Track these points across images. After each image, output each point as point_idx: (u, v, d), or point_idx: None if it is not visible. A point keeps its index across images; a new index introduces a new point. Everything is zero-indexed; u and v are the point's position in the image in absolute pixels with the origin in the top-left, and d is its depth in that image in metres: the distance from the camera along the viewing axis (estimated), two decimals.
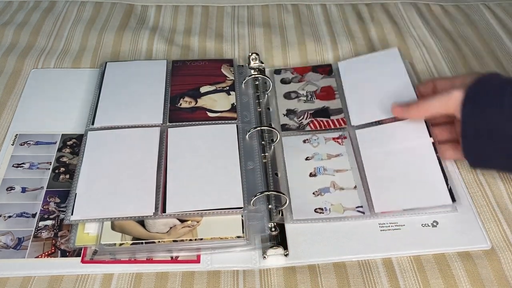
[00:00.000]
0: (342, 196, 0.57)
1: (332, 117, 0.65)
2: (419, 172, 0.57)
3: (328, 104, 0.67)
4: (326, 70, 0.72)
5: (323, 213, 0.55)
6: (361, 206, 0.56)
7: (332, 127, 0.64)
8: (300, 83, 0.70)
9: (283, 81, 0.71)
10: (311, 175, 0.59)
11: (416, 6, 0.87)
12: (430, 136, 0.59)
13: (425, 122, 0.61)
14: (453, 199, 0.54)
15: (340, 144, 0.62)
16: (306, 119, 0.65)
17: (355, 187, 0.57)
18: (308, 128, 0.64)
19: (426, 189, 0.56)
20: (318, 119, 0.65)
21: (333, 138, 0.63)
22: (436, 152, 0.58)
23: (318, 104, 0.67)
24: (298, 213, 0.55)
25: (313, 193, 0.57)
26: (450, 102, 0.55)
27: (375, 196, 0.55)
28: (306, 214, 0.55)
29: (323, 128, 0.64)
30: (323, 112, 0.66)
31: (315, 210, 0.55)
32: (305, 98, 0.68)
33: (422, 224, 0.55)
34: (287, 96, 0.68)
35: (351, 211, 0.55)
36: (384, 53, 0.72)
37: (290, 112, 0.66)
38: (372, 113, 0.63)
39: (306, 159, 0.61)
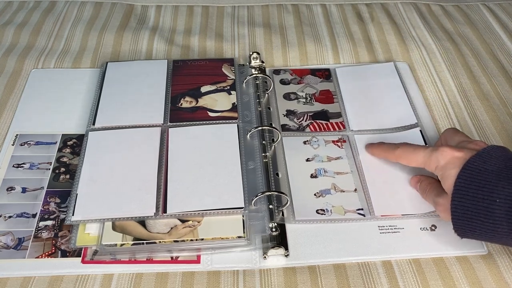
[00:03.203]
0: (343, 198, 0.57)
1: (331, 120, 0.65)
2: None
3: (327, 107, 0.67)
4: (325, 74, 0.72)
5: (324, 214, 0.55)
6: (362, 209, 0.56)
7: (332, 130, 0.64)
8: (299, 85, 0.70)
9: (282, 82, 0.71)
10: (312, 176, 0.59)
11: (416, 6, 0.87)
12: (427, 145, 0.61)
13: (421, 132, 0.63)
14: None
15: (340, 147, 0.62)
16: (305, 120, 0.65)
17: (356, 190, 0.58)
18: (308, 130, 0.64)
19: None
20: (318, 121, 0.65)
21: (333, 141, 0.63)
22: None
23: (317, 106, 0.67)
24: (300, 213, 0.55)
25: (315, 194, 0.57)
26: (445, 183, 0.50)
27: (375, 200, 0.56)
28: (308, 214, 0.55)
29: (323, 130, 0.64)
30: (322, 115, 0.66)
31: (317, 211, 0.55)
32: (304, 100, 0.68)
33: (420, 228, 0.55)
34: (287, 97, 0.68)
35: (352, 213, 0.55)
36: (380, 65, 0.74)
37: (289, 113, 0.66)
38: (370, 121, 0.65)
39: (307, 160, 0.61)
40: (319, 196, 0.57)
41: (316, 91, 0.70)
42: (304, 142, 0.63)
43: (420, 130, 0.63)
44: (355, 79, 0.71)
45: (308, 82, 0.71)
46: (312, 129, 0.64)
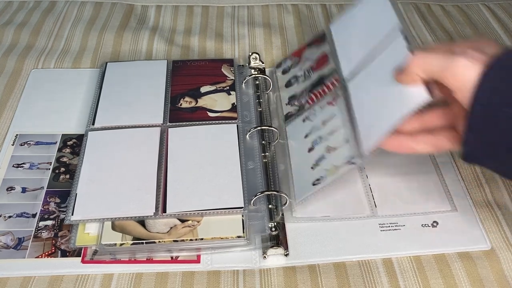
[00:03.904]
0: (335, 157, 0.55)
1: (326, 82, 0.62)
2: (398, 86, 0.48)
3: (323, 71, 0.64)
4: (320, 38, 0.68)
5: (320, 183, 0.54)
6: (352, 157, 0.53)
7: (327, 91, 0.62)
8: (299, 65, 0.69)
9: (284, 72, 0.70)
10: (309, 150, 0.58)
11: (416, 6, 0.87)
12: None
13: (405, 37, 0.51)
14: (431, 93, 0.45)
15: (333, 105, 0.59)
16: (304, 97, 0.64)
17: (348, 141, 0.55)
18: (307, 105, 0.63)
19: (403, 95, 0.47)
20: (314, 91, 0.63)
21: (328, 103, 0.61)
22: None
23: (315, 76, 0.65)
24: (300, 194, 0.55)
25: (312, 168, 0.56)
26: (453, 72, 0.41)
27: (363, 134, 0.51)
28: (306, 191, 0.55)
29: (319, 97, 0.62)
30: (318, 82, 0.64)
31: (313, 184, 0.55)
32: (303, 78, 0.67)
33: (422, 225, 0.55)
34: (288, 84, 0.68)
35: (342, 167, 0.53)
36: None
37: (291, 99, 0.66)
38: (361, 52, 0.57)
39: (306, 136, 0.60)
40: (316, 167, 0.56)
41: (312, 62, 0.67)
42: (303, 120, 0.62)
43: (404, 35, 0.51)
44: (349, 25, 0.64)
45: (306, 57, 0.69)
46: (310, 102, 0.63)
